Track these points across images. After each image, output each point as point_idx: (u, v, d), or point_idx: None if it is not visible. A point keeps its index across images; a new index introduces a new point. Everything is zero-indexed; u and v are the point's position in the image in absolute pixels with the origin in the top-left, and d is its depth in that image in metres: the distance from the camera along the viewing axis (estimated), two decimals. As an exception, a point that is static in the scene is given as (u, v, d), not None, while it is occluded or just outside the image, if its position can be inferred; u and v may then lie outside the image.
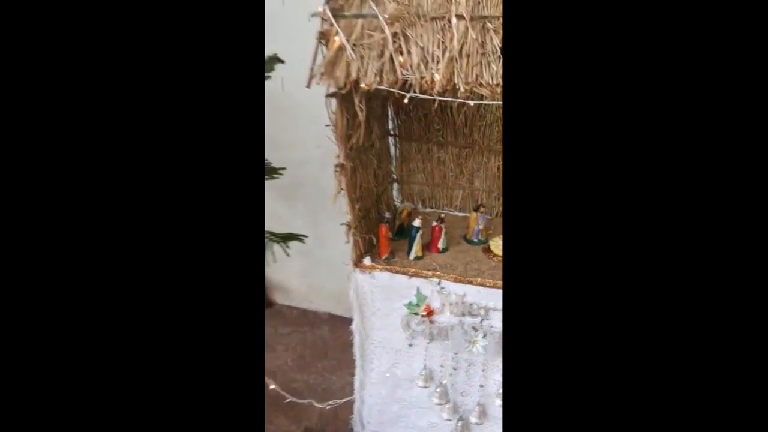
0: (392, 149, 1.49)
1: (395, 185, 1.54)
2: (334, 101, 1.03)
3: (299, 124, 1.76)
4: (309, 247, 1.64)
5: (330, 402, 1.28)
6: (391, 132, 1.46)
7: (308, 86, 0.93)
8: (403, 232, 1.34)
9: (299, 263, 1.97)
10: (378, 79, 0.88)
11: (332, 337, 2.06)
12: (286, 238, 1.41)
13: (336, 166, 1.11)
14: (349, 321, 2.10)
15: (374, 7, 0.89)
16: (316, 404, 1.30)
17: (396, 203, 1.54)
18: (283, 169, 1.39)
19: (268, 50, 1.29)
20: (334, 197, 1.14)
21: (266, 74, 1.11)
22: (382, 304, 1.25)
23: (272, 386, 1.22)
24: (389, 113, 1.44)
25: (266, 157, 1.39)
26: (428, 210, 1.54)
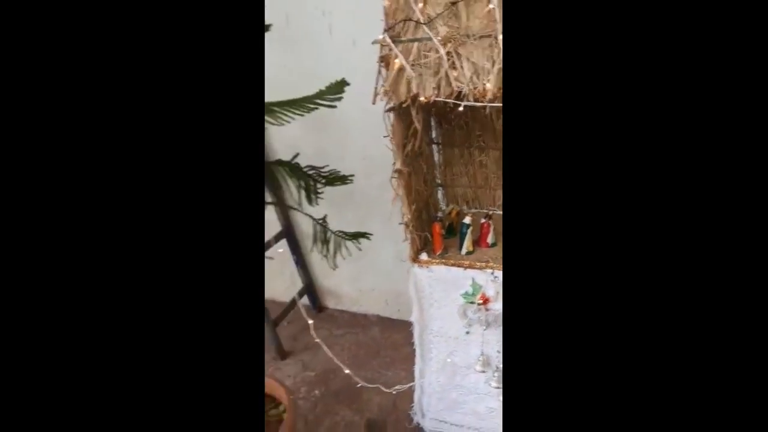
0: (436, 156, 1.61)
1: (440, 189, 1.67)
2: (392, 115, 1.17)
3: (347, 139, 1.91)
4: (357, 253, 1.78)
5: (396, 387, 1.40)
6: (435, 140, 1.60)
7: (373, 103, 1.08)
8: (452, 231, 1.45)
9: (348, 269, 2.10)
10: (436, 92, 1.02)
11: (382, 337, 2.18)
12: (355, 236, 1.55)
13: (394, 171, 1.24)
14: (397, 322, 2.24)
15: (428, 32, 1.03)
16: (384, 389, 1.42)
17: (442, 206, 1.66)
18: (352, 176, 1.53)
19: (318, 74, 1.44)
20: (393, 200, 1.27)
21: (338, 95, 1.26)
22: (439, 295, 1.37)
23: (347, 371, 1.35)
24: (431, 124, 1.57)
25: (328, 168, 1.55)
26: (473, 210, 1.65)
